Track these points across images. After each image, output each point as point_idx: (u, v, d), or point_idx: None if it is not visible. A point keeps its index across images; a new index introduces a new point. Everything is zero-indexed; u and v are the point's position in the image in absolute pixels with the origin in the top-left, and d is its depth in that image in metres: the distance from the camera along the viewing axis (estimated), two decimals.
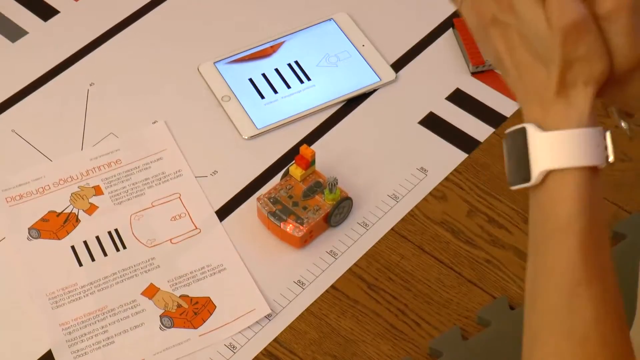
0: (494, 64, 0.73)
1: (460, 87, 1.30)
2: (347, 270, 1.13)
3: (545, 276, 0.68)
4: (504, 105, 1.28)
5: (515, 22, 0.69)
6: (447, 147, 1.24)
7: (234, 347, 1.08)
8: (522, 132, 0.69)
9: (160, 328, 1.09)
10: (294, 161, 1.17)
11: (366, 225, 1.17)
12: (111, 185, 1.21)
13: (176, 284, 1.12)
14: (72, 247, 1.15)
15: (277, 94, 1.29)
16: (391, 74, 1.31)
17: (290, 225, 1.13)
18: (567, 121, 0.68)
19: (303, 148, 1.16)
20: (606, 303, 0.68)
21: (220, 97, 1.29)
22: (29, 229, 1.17)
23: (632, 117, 0.83)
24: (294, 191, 1.16)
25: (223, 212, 1.19)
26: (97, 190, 1.20)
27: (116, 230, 1.17)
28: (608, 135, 0.69)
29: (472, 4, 0.71)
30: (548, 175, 0.67)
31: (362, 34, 1.35)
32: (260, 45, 1.34)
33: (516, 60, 0.71)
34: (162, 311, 1.10)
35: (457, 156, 1.23)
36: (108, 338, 1.08)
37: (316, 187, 1.16)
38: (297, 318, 1.10)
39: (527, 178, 0.68)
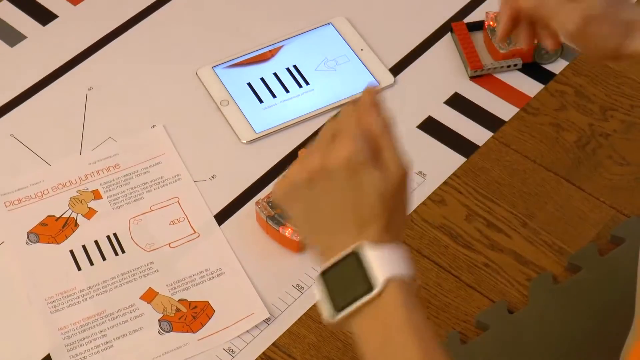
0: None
1: (458, 92, 1.30)
2: None
3: None
4: (502, 109, 1.28)
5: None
6: (445, 151, 1.24)
7: (232, 351, 1.08)
8: (354, 255, 0.76)
9: (159, 332, 1.09)
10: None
11: None
12: (110, 190, 1.21)
13: (175, 288, 1.12)
14: (71, 252, 1.15)
15: (275, 98, 1.29)
16: (390, 78, 1.31)
17: (289, 229, 1.13)
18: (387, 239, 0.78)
19: (302, 152, 1.16)
20: None
21: (218, 102, 1.29)
22: (27, 233, 1.17)
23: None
24: None
25: (222, 217, 1.19)
26: (96, 195, 1.20)
27: (115, 235, 1.17)
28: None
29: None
30: (387, 284, 0.76)
31: (360, 39, 1.35)
32: (259, 49, 1.34)
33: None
34: (160, 315, 1.10)
35: (456, 160, 1.23)
36: (107, 342, 1.08)
37: None
38: (296, 322, 1.10)
39: (371, 288, 0.75)
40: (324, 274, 0.78)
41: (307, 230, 0.81)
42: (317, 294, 0.79)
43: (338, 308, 0.77)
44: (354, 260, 0.77)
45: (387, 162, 0.80)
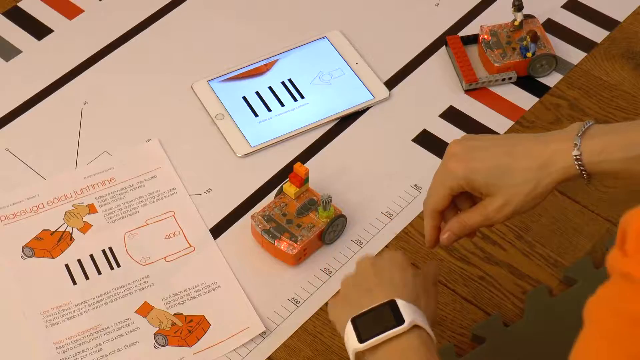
0: None
1: (453, 105, 1.30)
2: None
3: None
4: (497, 122, 1.28)
5: None
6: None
7: None
8: (388, 304, 0.92)
9: (155, 346, 1.09)
10: (287, 179, 1.17)
11: (360, 242, 1.17)
12: (105, 204, 1.21)
13: (170, 302, 1.12)
14: (66, 266, 1.15)
15: (270, 112, 1.30)
16: (384, 91, 1.32)
17: (285, 242, 1.13)
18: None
19: (297, 166, 1.16)
20: None
21: (214, 115, 1.29)
22: (23, 247, 1.17)
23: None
24: (288, 209, 1.16)
25: (217, 230, 1.19)
26: (91, 209, 1.20)
27: (110, 249, 1.17)
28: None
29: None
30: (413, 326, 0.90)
31: (355, 52, 1.36)
32: (254, 63, 1.35)
33: None
34: (156, 329, 1.10)
35: None
36: (102, 356, 1.08)
37: (310, 204, 1.17)
38: (291, 336, 1.10)
39: (400, 324, 0.90)
40: (356, 319, 0.92)
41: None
42: (346, 333, 0.92)
43: (363, 340, 0.90)
44: (387, 308, 0.91)
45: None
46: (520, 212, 0.98)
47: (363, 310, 0.92)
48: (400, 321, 0.90)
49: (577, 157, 0.93)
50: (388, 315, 0.91)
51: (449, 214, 1.03)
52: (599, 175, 0.94)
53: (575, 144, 0.93)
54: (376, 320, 0.91)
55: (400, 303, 0.91)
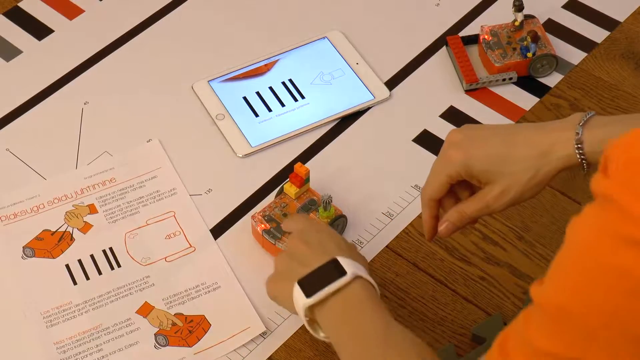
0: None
1: (454, 105, 1.30)
2: None
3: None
4: (497, 123, 1.28)
5: None
6: None
7: None
8: (331, 262, 0.97)
9: (155, 347, 1.09)
10: (288, 179, 1.17)
11: (360, 242, 1.17)
12: (106, 204, 1.21)
13: (171, 302, 1.12)
14: (67, 266, 1.15)
15: (271, 112, 1.30)
16: (385, 92, 1.32)
17: (285, 243, 1.13)
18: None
19: (297, 166, 1.16)
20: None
21: (214, 116, 1.29)
22: (23, 247, 1.17)
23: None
24: (289, 209, 1.16)
25: (218, 230, 1.19)
26: (92, 209, 1.20)
27: (111, 249, 1.17)
28: None
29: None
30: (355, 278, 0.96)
31: (356, 52, 1.36)
32: (255, 63, 1.35)
33: None
34: (156, 329, 1.10)
35: None
36: (102, 357, 1.08)
37: (310, 204, 1.17)
38: (292, 336, 1.10)
39: (342, 276, 0.96)
40: (301, 280, 0.97)
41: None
42: (294, 296, 0.97)
43: (310, 295, 0.95)
44: (330, 265, 0.96)
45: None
46: (519, 200, 0.98)
47: (307, 273, 0.97)
48: (343, 273, 0.95)
49: (579, 145, 0.93)
50: (331, 271, 0.96)
51: (447, 204, 1.03)
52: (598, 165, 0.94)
53: (577, 133, 0.94)
54: (320, 277, 0.96)
55: (341, 259, 0.96)
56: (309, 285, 0.96)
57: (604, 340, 0.68)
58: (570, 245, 0.71)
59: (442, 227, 1.02)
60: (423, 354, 0.90)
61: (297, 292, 0.96)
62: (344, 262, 0.96)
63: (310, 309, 0.96)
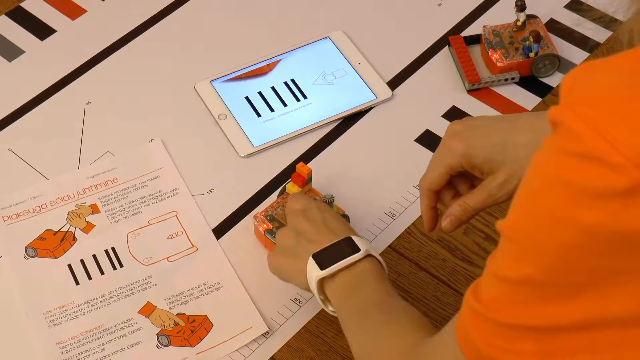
0: None
1: (456, 105, 1.30)
2: None
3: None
4: None
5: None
6: None
7: None
8: (344, 240, 1.02)
9: (157, 346, 1.09)
10: (290, 179, 1.17)
11: None
12: (108, 204, 1.21)
13: (173, 302, 1.12)
14: (69, 266, 1.15)
15: (273, 112, 1.30)
16: (387, 91, 1.32)
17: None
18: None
19: (300, 166, 1.16)
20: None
21: (216, 116, 1.29)
22: (25, 247, 1.17)
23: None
24: None
25: (220, 230, 1.19)
26: (94, 209, 1.20)
27: (113, 249, 1.17)
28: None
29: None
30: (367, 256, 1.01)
31: (358, 52, 1.36)
32: (257, 63, 1.35)
33: None
34: (158, 329, 1.10)
35: None
36: (105, 357, 1.08)
37: None
38: (294, 336, 1.10)
39: (356, 252, 1.01)
40: (315, 254, 1.01)
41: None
42: (308, 269, 1.01)
43: (324, 268, 0.99)
44: (344, 243, 1.01)
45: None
46: None
47: (321, 249, 1.01)
48: (356, 250, 1.00)
49: None
50: (345, 247, 1.01)
51: (446, 197, 1.03)
52: None
53: None
54: (334, 253, 1.00)
55: (355, 237, 1.01)
56: (324, 259, 1.00)
57: (551, 250, 0.70)
58: (527, 173, 0.73)
59: (445, 222, 1.02)
60: (416, 322, 0.94)
61: (311, 265, 1.00)
62: (357, 240, 1.01)
63: (321, 282, 1.00)
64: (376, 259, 1.01)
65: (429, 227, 1.05)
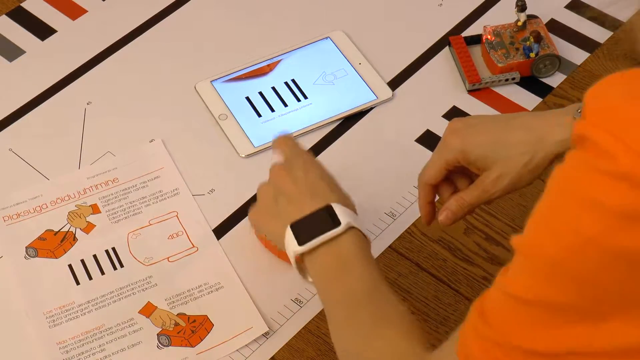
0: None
1: (456, 105, 1.30)
2: None
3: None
4: None
5: None
6: None
7: None
8: (325, 208, 0.97)
9: (158, 347, 1.09)
10: None
11: None
12: (108, 204, 1.21)
13: (173, 302, 1.12)
14: (70, 266, 1.15)
15: (274, 112, 1.30)
16: (388, 92, 1.32)
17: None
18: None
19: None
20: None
21: (217, 116, 1.29)
22: (26, 247, 1.17)
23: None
24: None
25: (220, 230, 1.19)
26: (95, 209, 1.20)
27: (113, 249, 1.17)
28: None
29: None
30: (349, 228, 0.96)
31: (358, 52, 1.36)
32: (257, 63, 1.35)
33: None
34: (159, 330, 1.10)
35: None
36: (105, 357, 1.08)
37: None
38: (294, 336, 1.10)
39: (336, 227, 0.95)
40: (294, 224, 0.97)
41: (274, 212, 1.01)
42: (286, 239, 0.97)
43: (303, 243, 0.95)
44: (324, 212, 0.96)
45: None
46: (516, 186, 0.98)
47: (301, 217, 0.96)
48: (337, 223, 0.95)
49: None
50: (325, 218, 0.96)
51: (445, 192, 1.04)
52: None
53: (575, 118, 0.94)
54: (313, 224, 0.96)
55: (336, 207, 0.96)
56: (301, 231, 0.96)
57: (577, 272, 0.67)
58: (549, 188, 0.71)
59: (442, 216, 1.03)
60: (411, 330, 0.91)
61: (289, 236, 0.96)
62: (339, 210, 0.96)
63: (300, 256, 0.97)
64: (359, 231, 0.97)
65: (426, 221, 1.06)
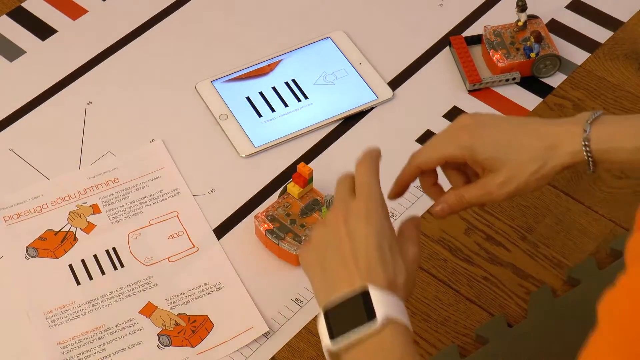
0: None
1: (457, 105, 1.30)
2: None
3: None
4: None
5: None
6: None
7: None
8: (360, 295, 0.84)
9: (158, 347, 1.09)
10: (291, 179, 1.17)
11: None
12: (109, 204, 1.21)
13: (174, 302, 1.12)
14: (70, 266, 1.15)
15: (274, 113, 1.30)
16: (388, 92, 1.32)
17: (288, 243, 1.13)
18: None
19: (301, 166, 1.16)
20: None
21: (217, 116, 1.29)
22: (26, 247, 1.17)
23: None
24: (292, 209, 1.16)
25: (221, 230, 1.19)
26: (95, 209, 1.20)
27: (114, 249, 1.17)
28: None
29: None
30: (388, 322, 0.83)
31: (359, 52, 1.36)
32: (258, 63, 1.35)
33: None
34: (159, 330, 1.10)
35: None
36: (105, 357, 1.08)
37: (314, 204, 1.17)
38: (295, 336, 1.10)
39: (373, 322, 0.83)
40: (329, 312, 0.85)
41: (320, 279, 0.89)
42: (319, 327, 0.86)
43: (335, 335, 0.84)
44: (359, 299, 0.84)
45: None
46: (522, 191, 0.96)
47: (336, 302, 0.85)
48: (372, 316, 0.83)
49: (586, 143, 0.93)
50: (360, 308, 0.84)
51: (426, 182, 1.01)
52: (605, 165, 0.94)
53: (585, 130, 0.93)
54: (348, 314, 0.84)
55: (373, 292, 0.84)
56: (335, 320, 0.85)
57: None
58: (606, 322, 0.65)
59: (438, 208, 1.00)
60: None
61: (322, 325, 0.86)
62: (376, 297, 0.84)
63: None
64: (401, 324, 0.84)
65: (392, 196, 1.03)
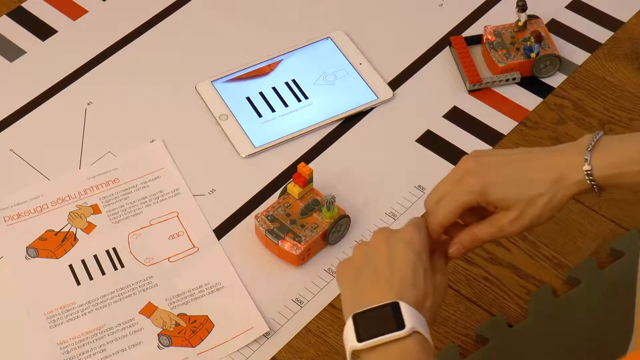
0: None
1: (457, 105, 1.30)
2: None
3: None
4: (501, 123, 1.28)
5: None
6: (444, 165, 1.24)
7: None
8: (391, 305, 0.90)
9: (158, 347, 1.09)
10: (291, 179, 1.17)
11: None
12: (109, 204, 1.21)
13: (174, 302, 1.12)
14: (70, 266, 1.15)
15: (274, 113, 1.30)
16: (388, 92, 1.32)
17: (288, 243, 1.13)
18: None
19: (301, 166, 1.16)
20: None
21: (217, 116, 1.29)
22: (26, 247, 1.17)
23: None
24: (292, 209, 1.16)
25: (221, 231, 1.19)
26: (95, 209, 1.20)
27: (114, 249, 1.17)
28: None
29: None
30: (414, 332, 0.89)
31: (359, 53, 1.36)
32: (258, 64, 1.35)
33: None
34: (160, 330, 1.10)
35: None
36: (106, 357, 1.08)
37: (314, 205, 1.17)
38: (295, 336, 1.10)
39: (400, 328, 0.89)
40: (357, 316, 0.90)
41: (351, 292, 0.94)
42: (346, 329, 0.90)
43: (362, 339, 0.89)
44: (389, 310, 0.89)
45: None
46: (535, 224, 0.97)
47: (365, 308, 0.90)
48: (401, 326, 0.88)
49: (588, 172, 0.93)
50: (389, 317, 0.89)
51: (451, 227, 1.02)
52: (611, 189, 0.94)
53: (586, 159, 0.93)
54: (377, 320, 0.90)
55: (404, 307, 0.90)
56: (363, 325, 0.90)
57: None
58: None
59: (453, 249, 1.00)
60: None
61: (349, 329, 0.90)
62: (406, 311, 0.89)
63: (358, 351, 0.91)
64: (424, 338, 0.90)
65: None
